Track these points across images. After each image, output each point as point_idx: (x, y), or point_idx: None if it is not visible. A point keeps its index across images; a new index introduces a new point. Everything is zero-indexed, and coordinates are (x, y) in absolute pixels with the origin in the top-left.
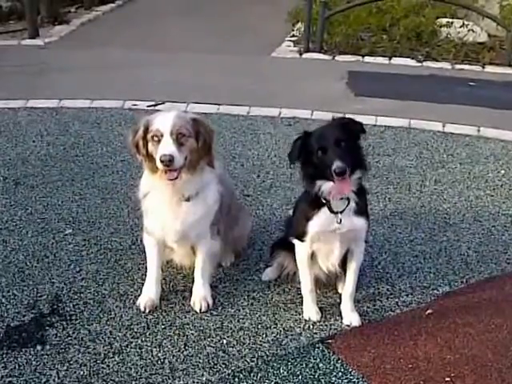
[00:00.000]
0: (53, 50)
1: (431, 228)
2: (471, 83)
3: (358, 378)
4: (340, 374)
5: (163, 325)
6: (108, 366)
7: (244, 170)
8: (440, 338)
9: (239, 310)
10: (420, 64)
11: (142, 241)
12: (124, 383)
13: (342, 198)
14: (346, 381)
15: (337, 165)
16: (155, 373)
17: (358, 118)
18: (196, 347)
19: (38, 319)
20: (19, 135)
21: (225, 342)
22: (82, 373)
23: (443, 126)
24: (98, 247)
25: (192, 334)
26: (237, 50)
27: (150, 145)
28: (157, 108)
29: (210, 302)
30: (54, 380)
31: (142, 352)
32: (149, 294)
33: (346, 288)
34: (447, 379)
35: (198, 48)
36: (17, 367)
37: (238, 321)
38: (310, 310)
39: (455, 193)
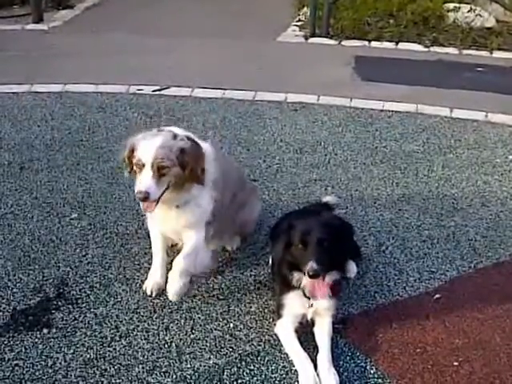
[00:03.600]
0: (57, 35)
1: (439, 213)
2: (479, 68)
3: (365, 362)
4: (348, 357)
5: (170, 308)
6: (115, 349)
7: (250, 154)
8: (448, 322)
9: (246, 294)
10: (427, 49)
11: (147, 225)
12: (131, 367)
13: None
14: (353, 365)
15: (311, 266)
16: (162, 356)
17: (365, 103)
18: (203, 331)
19: (44, 303)
20: (24, 120)
21: (232, 325)
22: (88, 356)
23: (451, 112)
24: (103, 231)
25: (199, 317)
26: (242, 34)
27: (134, 167)
28: (162, 93)
29: (182, 292)
30: (60, 363)
31: (148, 335)
32: (155, 277)
33: (321, 355)
34: (455, 363)
35: (203, 33)
36: (23, 350)
37: (245, 305)
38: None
39: (463, 178)
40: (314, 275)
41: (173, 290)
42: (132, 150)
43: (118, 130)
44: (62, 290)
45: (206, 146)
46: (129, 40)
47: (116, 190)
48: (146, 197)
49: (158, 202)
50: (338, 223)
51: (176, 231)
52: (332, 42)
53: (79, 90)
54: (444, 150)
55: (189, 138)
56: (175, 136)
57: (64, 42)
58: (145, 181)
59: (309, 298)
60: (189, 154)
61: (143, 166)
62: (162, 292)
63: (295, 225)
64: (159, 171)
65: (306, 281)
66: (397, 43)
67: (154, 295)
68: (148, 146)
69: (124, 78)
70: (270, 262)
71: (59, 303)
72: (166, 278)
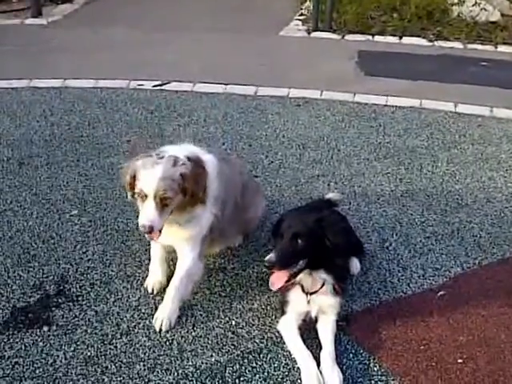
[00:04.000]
0: (56, 29)
1: (443, 209)
2: (483, 63)
3: (369, 360)
4: (351, 355)
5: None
6: (115, 346)
7: (252, 150)
8: (452, 319)
9: (248, 291)
10: (431, 43)
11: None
12: (132, 364)
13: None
14: (357, 362)
15: (269, 257)
16: (163, 354)
17: (369, 98)
18: (204, 328)
19: (44, 300)
20: (23, 115)
21: (233, 323)
22: (89, 354)
23: (455, 107)
24: (104, 228)
25: (200, 314)
26: (244, 28)
27: (136, 195)
28: (163, 88)
29: (173, 323)
30: (61, 361)
31: (149, 333)
32: (156, 275)
33: (324, 353)
34: (460, 361)
35: (205, 27)
36: (23, 348)
37: (247, 302)
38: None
39: (467, 174)
40: (267, 266)
41: (162, 318)
42: (133, 177)
43: (119, 126)
44: (62, 288)
45: (208, 158)
46: (129, 34)
47: (116, 186)
48: (150, 230)
49: (161, 231)
50: (327, 221)
51: (173, 243)
52: (335, 36)
53: (79, 85)
54: (448, 146)
55: (190, 159)
56: (175, 162)
57: (63, 36)
58: (148, 214)
59: (307, 294)
60: (189, 178)
61: (146, 196)
62: (163, 289)
63: (284, 218)
64: (162, 202)
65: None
66: (400, 37)
67: (155, 293)
68: (149, 177)
69: (124, 72)
70: None
71: (59, 300)
72: (168, 275)
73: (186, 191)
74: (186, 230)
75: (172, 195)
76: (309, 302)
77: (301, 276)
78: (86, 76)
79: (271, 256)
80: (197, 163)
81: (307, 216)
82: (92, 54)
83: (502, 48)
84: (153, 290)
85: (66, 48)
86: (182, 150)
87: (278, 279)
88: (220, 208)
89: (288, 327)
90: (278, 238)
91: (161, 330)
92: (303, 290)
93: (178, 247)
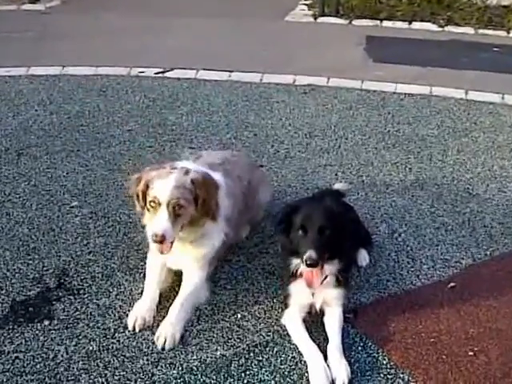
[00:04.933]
0: (55, 15)
1: (453, 199)
2: (495, 49)
3: (377, 353)
4: (360, 348)
5: (175, 297)
6: (118, 340)
7: (257, 139)
8: (463, 311)
9: (254, 284)
10: (441, 29)
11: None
12: (135, 358)
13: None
14: (365, 355)
15: (309, 255)
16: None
17: (377, 85)
18: (210, 322)
19: (44, 294)
20: (21, 104)
21: (239, 316)
22: (91, 348)
23: (466, 94)
24: (105, 220)
25: (205, 308)
26: (248, 13)
27: (147, 205)
28: (165, 75)
29: (177, 340)
30: (62, 355)
31: (153, 326)
32: (141, 311)
33: (331, 346)
34: (470, 353)
35: (208, 12)
36: (23, 342)
37: (253, 295)
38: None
39: (478, 162)
40: (311, 265)
41: (165, 335)
42: (146, 186)
43: (120, 115)
44: (62, 281)
45: (217, 177)
46: (129, 20)
47: (118, 177)
48: (162, 239)
49: (172, 244)
50: (341, 210)
51: (182, 265)
52: (342, 21)
53: (78, 72)
54: (459, 134)
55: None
56: (187, 171)
57: (62, 22)
58: (161, 223)
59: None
60: (201, 185)
61: (159, 204)
62: (147, 328)
63: (297, 209)
64: (175, 211)
65: (303, 269)
66: (410, 22)
67: (137, 330)
68: (164, 185)
69: (125, 59)
70: (280, 249)
71: (60, 294)
72: (154, 313)
73: (197, 199)
74: (196, 248)
75: (185, 204)
76: (313, 294)
77: (304, 268)
78: (85, 63)
79: (310, 253)
80: (208, 175)
81: (322, 206)
82: (92, 41)
83: None
84: (134, 328)
85: (64, 34)
86: (195, 166)
87: (315, 277)
88: (233, 228)
89: (292, 320)
90: (298, 232)
91: (163, 348)
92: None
93: (186, 268)
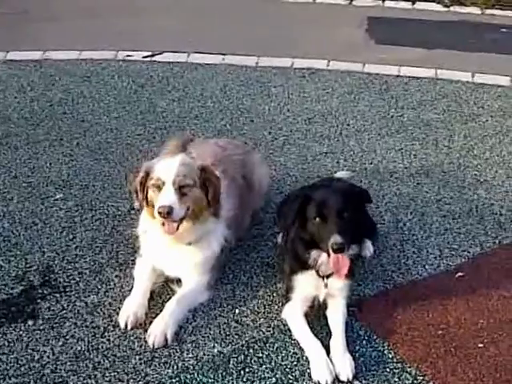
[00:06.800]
0: None
1: (460, 186)
2: (503, 29)
3: (383, 347)
4: (364, 342)
5: (168, 294)
6: (108, 340)
7: (254, 126)
8: (472, 302)
9: (252, 278)
10: (447, 9)
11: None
12: (127, 358)
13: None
14: (370, 349)
15: (335, 240)
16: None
17: (380, 68)
18: (206, 318)
19: (28, 292)
20: None
21: (237, 311)
22: (79, 348)
23: (473, 76)
24: (92, 213)
25: (201, 303)
26: None
27: (150, 191)
28: (154, 59)
29: (170, 339)
30: (48, 356)
31: (145, 324)
32: (132, 307)
33: (335, 340)
34: (480, 345)
35: None
36: (6, 344)
37: (252, 289)
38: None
39: (486, 148)
40: (339, 249)
41: (156, 333)
42: (147, 173)
43: (106, 101)
44: (47, 278)
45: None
46: (115, 0)
47: (105, 167)
48: (169, 212)
49: (178, 226)
50: (354, 191)
51: (179, 272)
52: (342, 1)
53: (61, 57)
54: (466, 118)
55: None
56: (193, 158)
57: (43, 3)
58: (168, 195)
59: (323, 278)
60: (209, 173)
61: (163, 184)
62: (139, 325)
63: (309, 197)
64: (181, 190)
65: (325, 258)
66: (413, 2)
67: (129, 328)
68: (168, 164)
69: (111, 42)
70: (279, 241)
71: (45, 292)
72: (146, 309)
73: (206, 185)
74: (194, 252)
75: (191, 183)
76: (326, 285)
77: (322, 258)
78: (68, 47)
79: (335, 238)
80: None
81: (334, 190)
82: (75, 22)
83: None
84: (126, 326)
85: (46, 17)
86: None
87: (343, 264)
88: (233, 233)
89: (294, 314)
90: (315, 221)
91: (154, 346)
92: (319, 274)
93: (184, 275)
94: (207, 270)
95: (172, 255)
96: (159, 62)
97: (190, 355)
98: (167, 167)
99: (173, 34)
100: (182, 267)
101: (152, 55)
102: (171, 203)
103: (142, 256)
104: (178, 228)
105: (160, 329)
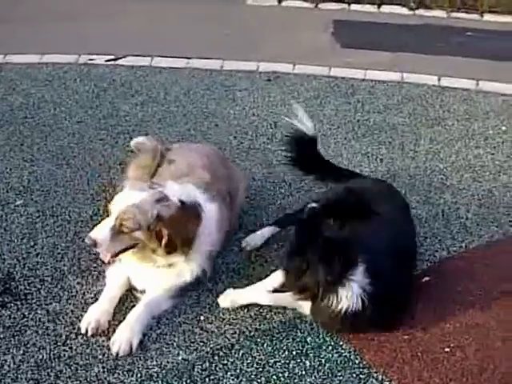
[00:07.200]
0: None
1: (427, 190)
2: (469, 33)
3: (349, 352)
4: (330, 348)
5: (131, 301)
6: (71, 348)
7: (218, 130)
8: (438, 306)
9: (217, 284)
10: (412, 12)
11: (104, 211)
12: (89, 366)
13: None
14: (336, 355)
15: None
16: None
17: (346, 72)
18: (170, 325)
19: None
20: None
21: (202, 318)
22: (41, 356)
23: (439, 80)
24: (54, 219)
25: (165, 310)
26: None
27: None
28: (117, 63)
29: (134, 347)
30: (9, 365)
31: (108, 332)
32: (96, 313)
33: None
34: (447, 349)
35: None
36: None
37: (217, 295)
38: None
39: (452, 152)
40: None
41: (121, 341)
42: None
43: (68, 106)
44: (8, 285)
45: (211, 208)
46: (77, 2)
47: (67, 172)
48: (93, 245)
49: (115, 256)
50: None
51: (144, 286)
52: (308, 4)
53: (21, 60)
54: (432, 122)
55: (183, 203)
56: (160, 199)
57: (2, 4)
58: (100, 228)
59: None
60: (167, 222)
61: (110, 214)
62: (102, 332)
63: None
64: (120, 227)
65: None
66: (379, 6)
67: (89, 334)
68: (122, 199)
69: (73, 46)
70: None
71: (5, 299)
72: (110, 317)
73: (158, 236)
74: (164, 277)
75: (132, 227)
76: None
77: None
78: (29, 51)
79: None
80: (189, 210)
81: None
82: (36, 26)
83: (488, 17)
84: (87, 331)
85: (5, 19)
86: (182, 191)
87: None
88: (211, 261)
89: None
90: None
91: (118, 354)
92: None
93: (149, 290)
94: (174, 294)
95: (141, 272)
96: (122, 65)
97: (154, 363)
98: (121, 201)
99: (136, 38)
100: (149, 285)
101: (115, 59)
102: (97, 237)
103: (118, 262)
104: (116, 255)
105: (125, 336)
